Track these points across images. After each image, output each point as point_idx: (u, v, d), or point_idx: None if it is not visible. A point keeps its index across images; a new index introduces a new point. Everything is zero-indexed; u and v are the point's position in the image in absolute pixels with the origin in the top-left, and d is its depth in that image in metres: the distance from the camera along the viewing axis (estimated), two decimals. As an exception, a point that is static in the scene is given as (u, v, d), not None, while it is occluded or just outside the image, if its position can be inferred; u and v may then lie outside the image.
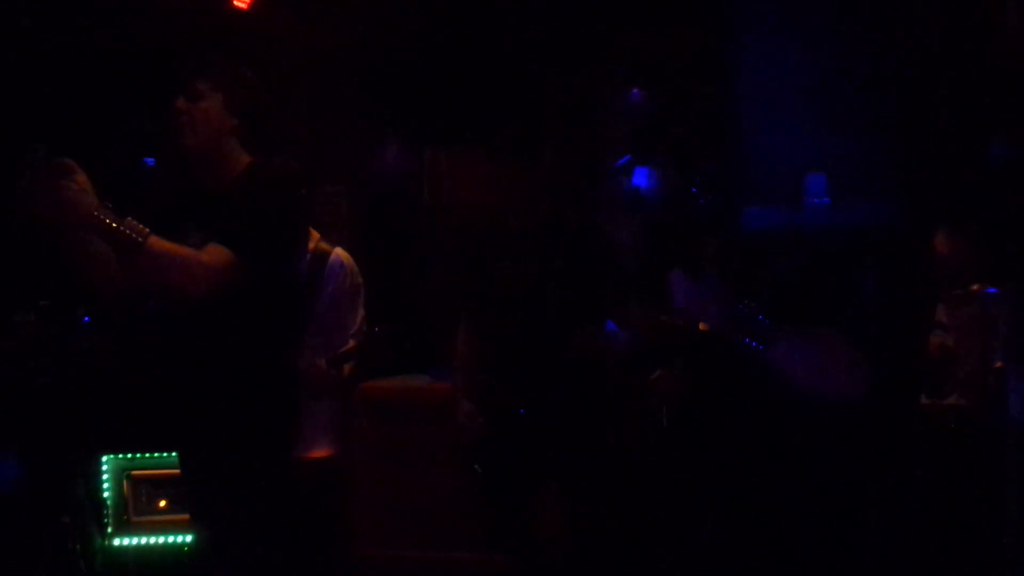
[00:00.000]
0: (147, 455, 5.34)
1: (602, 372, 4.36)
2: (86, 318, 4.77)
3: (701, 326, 4.20)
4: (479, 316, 4.58)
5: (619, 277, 4.45)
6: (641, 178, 5.70)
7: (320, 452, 4.39)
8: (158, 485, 5.32)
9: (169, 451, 5.32)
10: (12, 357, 4.96)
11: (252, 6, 5.96)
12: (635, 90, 6.27)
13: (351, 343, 4.38)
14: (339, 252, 4.51)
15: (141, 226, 3.11)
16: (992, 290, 4.99)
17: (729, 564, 4.73)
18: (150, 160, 6.43)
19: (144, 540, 5.23)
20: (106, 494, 5.23)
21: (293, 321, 3.59)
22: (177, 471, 5.09)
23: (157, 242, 3.13)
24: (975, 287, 5.01)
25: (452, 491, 5.60)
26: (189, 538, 5.14)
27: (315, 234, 4.52)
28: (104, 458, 5.25)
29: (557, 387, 4.38)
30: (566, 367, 4.36)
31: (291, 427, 3.58)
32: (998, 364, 4.91)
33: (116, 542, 5.22)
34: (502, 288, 4.51)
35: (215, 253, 3.22)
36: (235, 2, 5.89)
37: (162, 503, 5.33)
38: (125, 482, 5.25)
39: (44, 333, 5.04)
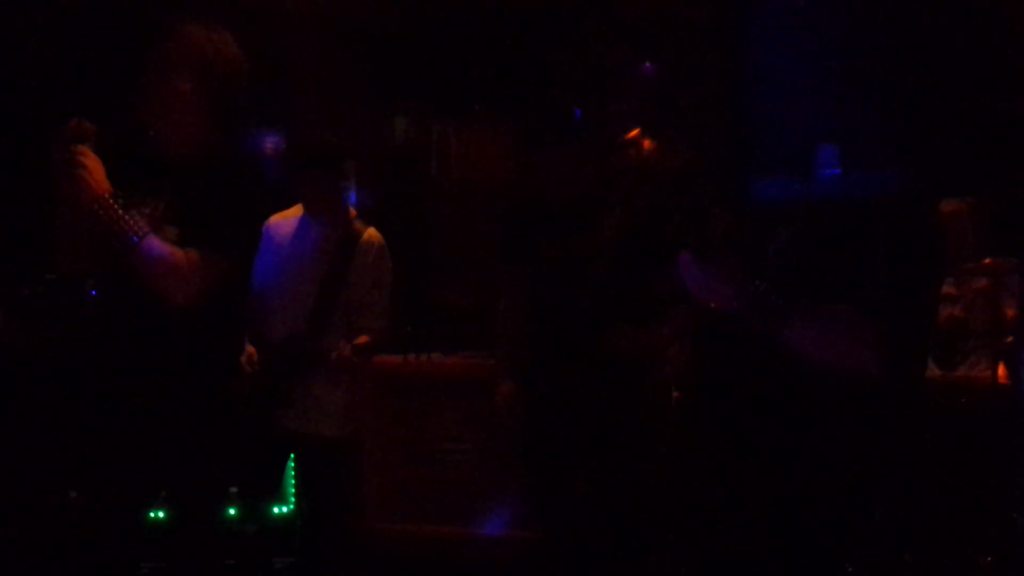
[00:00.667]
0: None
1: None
2: (93, 291, 4.77)
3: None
4: (522, 288, 4.43)
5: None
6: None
7: (334, 433, 4.43)
8: None
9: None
10: (21, 331, 4.95)
11: None
12: (645, 63, 6.22)
13: (374, 334, 4.40)
14: (372, 233, 4.53)
15: (143, 224, 3.11)
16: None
17: (740, 540, 4.73)
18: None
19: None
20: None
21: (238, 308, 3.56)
22: None
23: (153, 244, 3.12)
24: (987, 260, 5.01)
25: (465, 467, 5.64)
26: None
27: (352, 212, 4.58)
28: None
29: (598, 369, 4.26)
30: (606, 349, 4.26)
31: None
32: (1008, 339, 4.90)
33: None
34: (546, 261, 4.39)
35: (206, 262, 3.19)
36: (242, -24, 5.86)
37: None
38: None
39: (52, 307, 5.04)
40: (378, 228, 4.62)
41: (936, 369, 5.10)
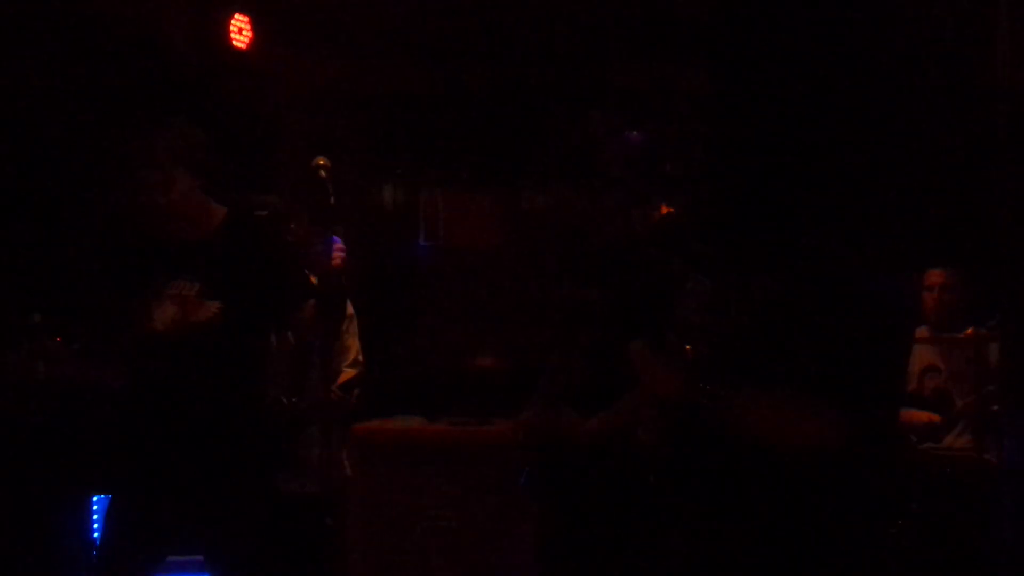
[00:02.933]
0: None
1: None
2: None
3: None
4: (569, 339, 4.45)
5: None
6: None
7: (310, 488, 4.44)
8: None
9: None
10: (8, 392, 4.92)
11: (251, 47, 6.00)
12: (634, 132, 6.28)
13: (353, 371, 4.53)
14: None
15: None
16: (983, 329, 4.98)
17: None
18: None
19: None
20: (96, 535, 5.09)
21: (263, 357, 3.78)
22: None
23: None
24: (969, 331, 5.04)
25: (446, 532, 5.57)
26: None
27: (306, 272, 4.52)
28: (96, 498, 5.14)
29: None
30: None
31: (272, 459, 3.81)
32: (994, 407, 4.91)
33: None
34: (567, 312, 4.48)
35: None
36: (234, 43, 5.92)
37: None
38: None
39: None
40: (366, 293, 4.82)
41: (918, 440, 5.14)
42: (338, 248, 3.68)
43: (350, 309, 4.58)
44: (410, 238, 7.06)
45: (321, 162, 3.63)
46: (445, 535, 5.59)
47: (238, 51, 5.98)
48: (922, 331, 5.21)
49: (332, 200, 3.62)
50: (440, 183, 7.01)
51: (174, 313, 3.50)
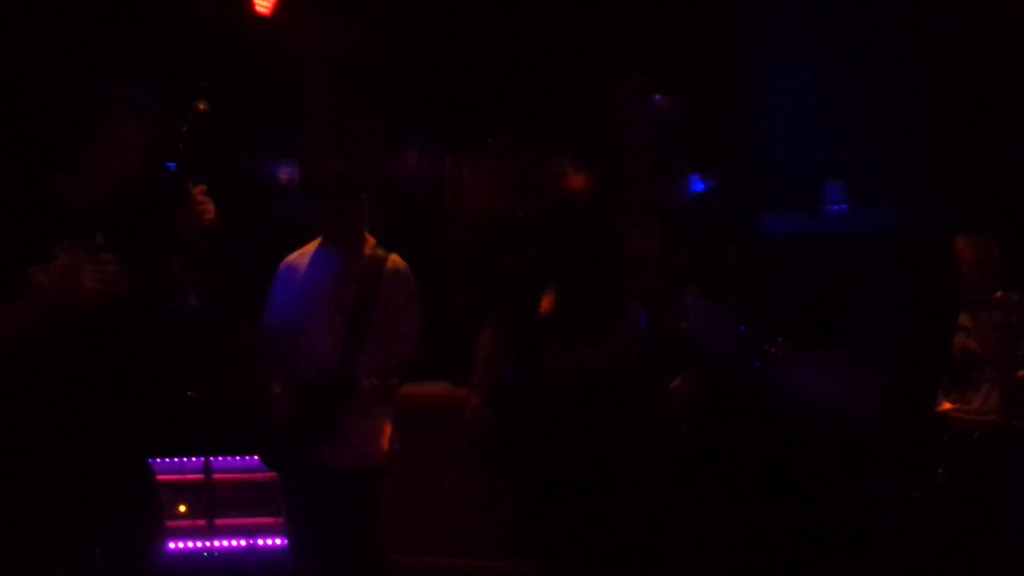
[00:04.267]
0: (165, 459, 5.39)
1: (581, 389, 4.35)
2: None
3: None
4: (499, 314, 4.59)
5: (631, 280, 4.45)
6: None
7: (366, 463, 4.40)
8: (177, 490, 5.37)
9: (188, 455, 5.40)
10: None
11: (274, 12, 5.99)
12: (656, 96, 6.26)
13: (407, 354, 4.38)
14: (395, 259, 4.48)
15: None
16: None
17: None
18: (172, 165, 6.50)
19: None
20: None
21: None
22: (195, 476, 5.20)
23: None
24: (999, 294, 4.97)
25: (473, 496, 5.63)
26: (213, 544, 5.36)
27: (371, 240, 4.50)
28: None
29: (564, 395, 4.39)
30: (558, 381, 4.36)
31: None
32: (1020, 373, 4.89)
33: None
34: (508, 278, 4.54)
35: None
36: (257, 9, 5.91)
37: (182, 508, 5.38)
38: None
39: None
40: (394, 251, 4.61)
41: (949, 403, 5.11)
42: (199, 202, 3.57)
43: (413, 285, 4.48)
44: (434, 204, 7.04)
45: (201, 107, 3.62)
46: (472, 495, 5.64)
47: (261, 16, 5.99)
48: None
49: (182, 147, 3.59)
50: (464, 149, 6.97)
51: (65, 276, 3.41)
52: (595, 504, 4.47)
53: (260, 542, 5.38)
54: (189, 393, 5.50)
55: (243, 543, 5.39)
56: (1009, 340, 4.93)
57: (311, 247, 4.54)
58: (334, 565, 4.43)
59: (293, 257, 4.54)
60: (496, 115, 6.72)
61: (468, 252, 6.82)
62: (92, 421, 3.57)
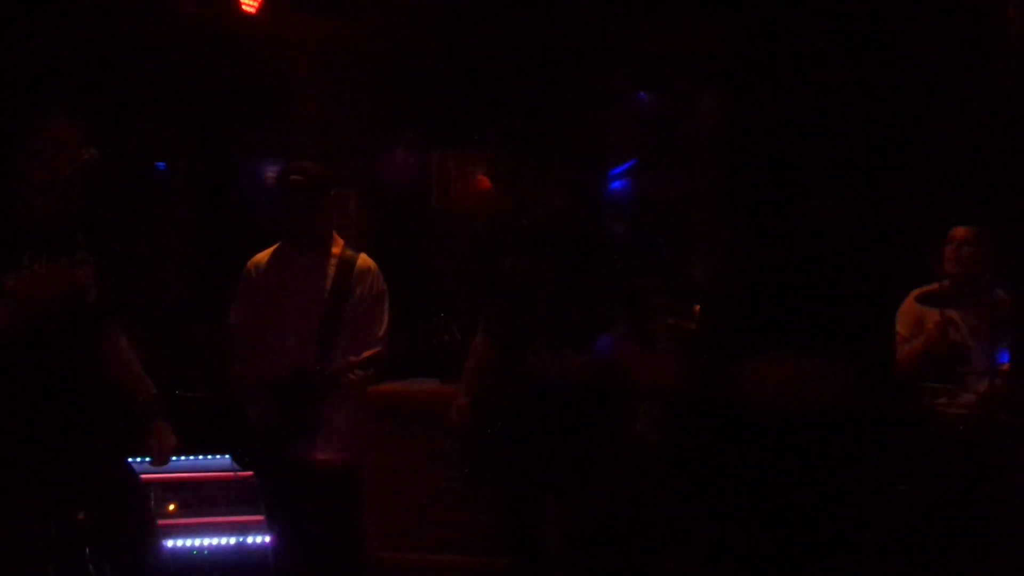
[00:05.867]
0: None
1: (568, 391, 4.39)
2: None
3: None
4: (493, 317, 4.63)
5: (619, 280, 4.51)
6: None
7: (341, 458, 4.45)
8: (168, 488, 5.34)
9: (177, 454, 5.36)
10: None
11: (260, 10, 6.00)
12: (642, 92, 6.27)
13: (377, 348, 4.45)
14: (364, 258, 4.56)
15: None
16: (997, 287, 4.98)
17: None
18: (161, 164, 6.57)
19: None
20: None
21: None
22: (188, 475, 5.24)
23: None
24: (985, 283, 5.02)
25: (460, 493, 5.54)
26: (203, 542, 5.35)
27: (339, 240, 4.57)
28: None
29: (548, 398, 4.42)
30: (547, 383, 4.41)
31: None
32: (1006, 366, 4.90)
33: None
34: (505, 284, 4.57)
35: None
36: (244, 7, 5.91)
37: (171, 507, 5.36)
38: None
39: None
40: (378, 257, 4.69)
41: (935, 396, 5.11)
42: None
43: (382, 284, 4.57)
44: (421, 203, 7.07)
45: (90, 154, 3.81)
46: (458, 496, 5.59)
47: (247, 15, 5.99)
48: (942, 284, 5.19)
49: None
50: (452, 146, 7.01)
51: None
52: (575, 507, 4.52)
53: (250, 540, 5.38)
54: (177, 392, 5.50)
55: (233, 541, 5.39)
56: (996, 333, 4.94)
57: (277, 248, 4.60)
58: (316, 562, 4.48)
59: (260, 257, 4.59)
60: (483, 114, 6.73)
61: (456, 251, 6.85)
62: (65, 422, 3.75)
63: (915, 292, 5.21)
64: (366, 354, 4.41)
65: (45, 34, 5.78)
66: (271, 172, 6.77)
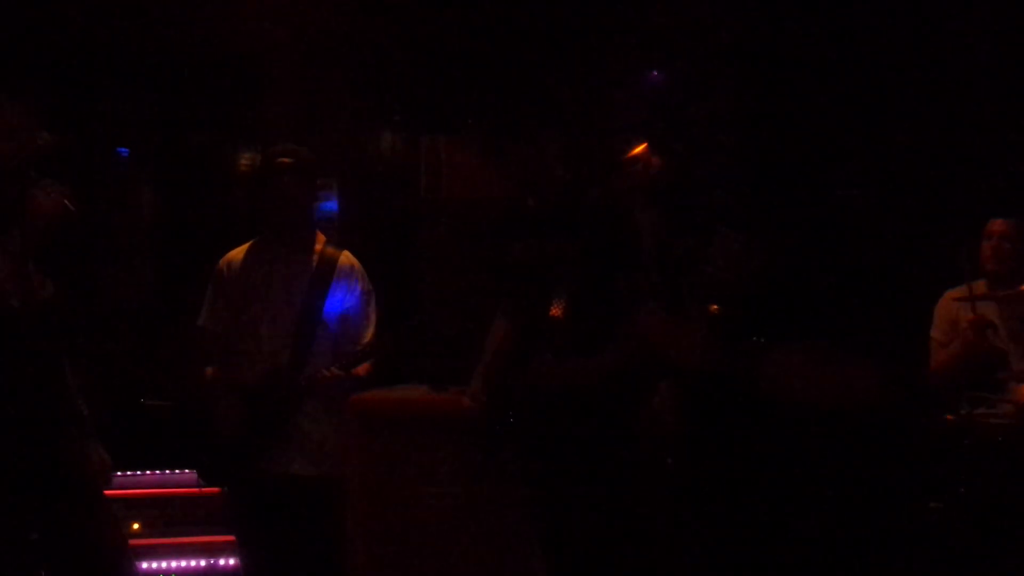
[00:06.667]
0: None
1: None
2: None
3: None
4: (512, 305, 4.51)
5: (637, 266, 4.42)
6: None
7: (320, 471, 4.30)
8: (131, 506, 5.29)
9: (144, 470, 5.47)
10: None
11: None
12: (654, 73, 6.05)
13: (360, 350, 4.36)
14: (348, 256, 4.45)
15: None
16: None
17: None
18: (124, 150, 6.52)
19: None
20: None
21: None
22: (152, 491, 5.33)
23: None
24: (1022, 287, 4.89)
25: (452, 504, 5.48)
26: (170, 564, 5.33)
27: (321, 236, 4.48)
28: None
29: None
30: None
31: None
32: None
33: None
34: (518, 271, 4.50)
35: None
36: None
37: (135, 526, 5.29)
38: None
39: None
40: (365, 245, 4.67)
41: (969, 404, 4.94)
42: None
43: (367, 283, 4.46)
44: (409, 192, 7.03)
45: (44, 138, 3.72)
46: (449, 504, 5.51)
47: None
48: (979, 285, 5.06)
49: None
50: (442, 131, 6.93)
51: None
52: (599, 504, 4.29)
53: (221, 562, 5.30)
54: (142, 400, 5.37)
55: (203, 563, 5.31)
56: None
57: (253, 244, 4.48)
58: None
59: (233, 254, 4.47)
60: (477, 96, 6.64)
61: (449, 244, 6.76)
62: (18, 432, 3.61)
63: (949, 293, 5.12)
64: (349, 356, 4.33)
65: (6, 14, 5.71)
66: (246, 159, 6.84)
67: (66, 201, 3.67)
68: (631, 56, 6.06)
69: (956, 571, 4.86)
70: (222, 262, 4.46)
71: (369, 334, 4.41)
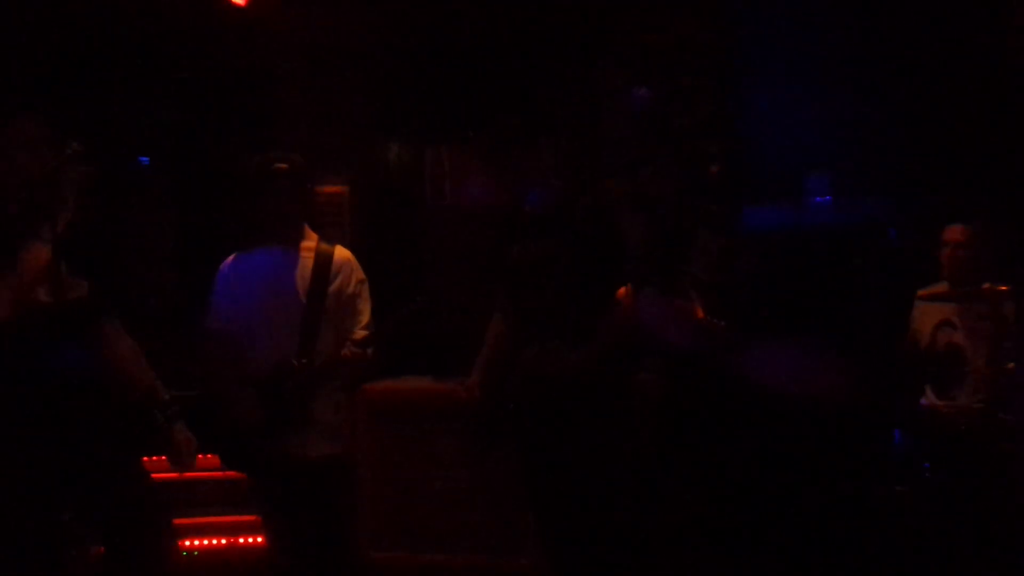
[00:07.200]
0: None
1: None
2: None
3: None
4: (508, 301, 4.67)
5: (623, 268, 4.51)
6: None
7: (331, 451, 4.48)
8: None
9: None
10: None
11: (250, 3, 6.02)
12: (641, 88, 6.27)
13: (365, 333, 4.52)
14: (341, 250, 4.59)
15: None
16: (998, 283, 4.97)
17: (713, 563, 4.82)
18: (145, 159, 6.59)
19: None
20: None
21: None
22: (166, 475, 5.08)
23: None
24: (986, 285, 4.98)
25: (456, 491, 5.68)
26: (195, 543, 5.44)
27: (313, 235, 4.60)
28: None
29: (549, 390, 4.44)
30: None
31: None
32: (1009, 365, 4.90)
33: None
34: (516, 271, 4.60)
35: None
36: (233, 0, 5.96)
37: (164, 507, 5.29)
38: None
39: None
40: (372, 255, 4.77)
41: (935, 397, 5.15)
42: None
43: (361, 273, 4.62)
44: (416, 197, 7.07)
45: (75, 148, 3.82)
46: (453, 491, 5.69)
47: (236, 8, 6.01)
48: (939, 287, 5.21)
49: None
50: (446, 141, 7.00)
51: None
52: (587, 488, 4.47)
53: (242, 540, 5.43)
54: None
55: (225, 541, 5.44)
56: (997, 331, 4.95)
57: (252, 246, 4.61)
58: (311, 559, 4.50)
59: (234, 258, 4.63)
60: (478, 108, 6.74)
61: (452, 248, 6.84)
62: (62, 419, 3.78)
63: (920, 291, 5.24)
64: (358, 336, 4.50)
65: (28, 26, 5.80)
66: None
67: (90, 178, 3.79)
68: (619, 73, 6.15)
69: (920, 549, 5.01)
70: (224, 266, 4.62)
71: (366, 319, 4.56)
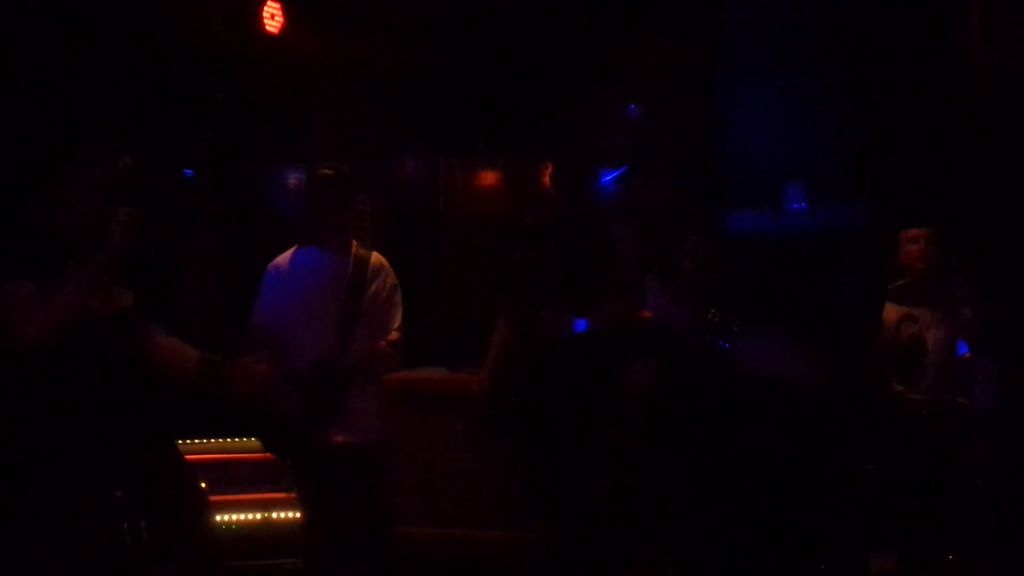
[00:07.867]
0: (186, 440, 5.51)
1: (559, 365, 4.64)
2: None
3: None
4: (512, 305, 4.89)
5: (613, 270, 4.77)
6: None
7: (369, 438, 4.67)
8: (198, 469, 5.34)
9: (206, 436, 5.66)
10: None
11: (282, 31, 6.25)
12: (631, 105, 6.56)
13: (398, 335, 4.69)
14: (377, 256, 4.76)
15: None
16: (955, 280, 5.19)
17: (702, 545, 5.02)
18: (189, 172, 6.82)
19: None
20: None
21: None
22: (216, 456, 5.50)
23: None
24: (944, 279, 5.23)
25: (470, 471, 5.90)
26: (231, 518, 5.56)
27: (354, 242, 4.77)
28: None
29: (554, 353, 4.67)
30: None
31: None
32: (965, 355, 5.13)
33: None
34: (516, 276, 4.84)
35: None
36: (267, 28, 6.20)
37: (202, 485, 5.34)
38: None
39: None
40: (391, 258, 4.89)
41: (900, 385, 5.34)
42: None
43: (394, 278, 4.75)
44: (430, 207, 7.27)
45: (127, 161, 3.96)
46: (465, 476, 5.92)
47: (270, 36, 6.25)
48: (901, 284, 5.39)
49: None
50: (457, 154, 7.18)
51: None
52: (581, 469, 4.77)
53: (275, 515, 5.52)
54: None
55: (259, 516, 5.54)
56: (953, 325, 5.19)
57: (296, 249, 4.76)
58: (349, 538, 4.68)
59: (280, 260, 4.77)
60: (487, 124, 6.89)
61: (462, 251, 7.01)
62: (112, 410, 3.92)
63: (889, 286, 5.39)
64: (392, 338, 4.66)
65: (90, 54, 5.97)
66: (292, 179, 7.03)
67: (135, 219, 3.85)
68: (612, 92, 6.48)
69: (886, 521, 5.24)
70: (270, 267, 4.75)
71: (398, 321, 4.71)
